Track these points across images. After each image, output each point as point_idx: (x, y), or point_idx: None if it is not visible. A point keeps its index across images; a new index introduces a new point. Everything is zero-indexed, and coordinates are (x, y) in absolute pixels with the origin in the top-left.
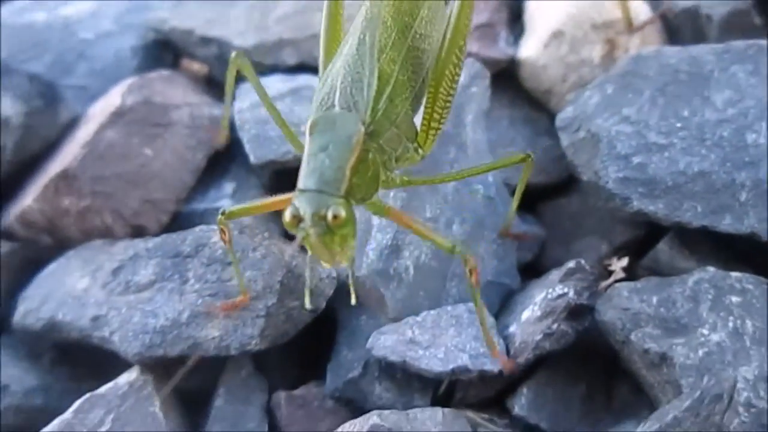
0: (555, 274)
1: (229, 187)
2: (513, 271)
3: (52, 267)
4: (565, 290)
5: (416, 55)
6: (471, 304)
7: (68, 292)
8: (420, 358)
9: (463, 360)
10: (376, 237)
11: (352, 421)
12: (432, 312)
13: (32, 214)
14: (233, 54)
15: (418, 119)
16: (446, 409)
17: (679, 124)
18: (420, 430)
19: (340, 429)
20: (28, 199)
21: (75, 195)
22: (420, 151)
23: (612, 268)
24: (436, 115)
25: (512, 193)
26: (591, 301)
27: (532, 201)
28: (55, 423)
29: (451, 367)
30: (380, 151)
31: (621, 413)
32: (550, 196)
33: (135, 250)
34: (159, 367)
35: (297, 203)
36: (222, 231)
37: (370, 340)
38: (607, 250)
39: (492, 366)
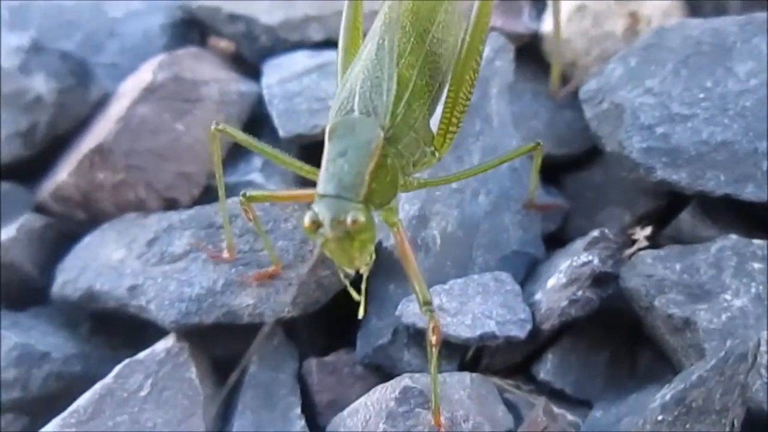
0: (579, 243)
1: (257, 161)
2: (538, 241)
3: (87, 239)
4: (590, 258)
5: (434, 60)
6: (497, 273)
7: (105, 263)
8: (448, 325)
9: (490, 326)
10: (404, 208)
11: (383, 385)
12: (459, 280)
13: (67, 188)
14: (212, 127)
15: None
16: (474, 374)
17: (701, 95)
18: (449, 393)
19: (372, 391)
20: (63, 174)
21: (110, 169)
22: (436, 154)
23: (635, 237)
24: (454, 119)
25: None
26: (615, 269)
27: (556, 173)
28: (97, 388)
29: (478, 333)
30: (399, 156)
31: (644, 379)
32: (573, 168)
33: (169, 221)
34: (194, 335)
35: (316, 209)
36: (245, 211)
37: (399, 307)
38: (630, 220)
39: (518, 332)
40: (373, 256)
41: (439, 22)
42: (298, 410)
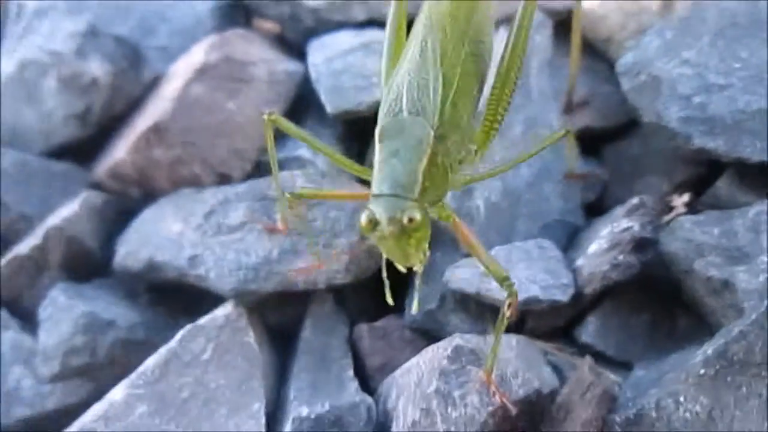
0: (619, 211)
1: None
2: (578, 211)
3: (146, 214)
4: (630, 224)
5: (473, 60)
6: (540, 240)
7: (164, 235)
8: (493, 290)
9: (534, 291)
10: None
11: (436, 344)
12: (503, 247)
13: (124, 166)
14: (264, 117)
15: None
16: (519, 336)
17: (737, 65)
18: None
19: (424, 351)
20: (120, 152)
21: (165, 146)
22: (479, 153)
23: (673, 204)
24: (499, 116)
25: (577, 136)
26: (654, 235)
27: (595, 145)
28: (162, 351)
29: (523, 297)
30: (447, 154)
31: (684, 341)
32: (612, 140)
33: (224, 195)
34: (250, 302)
35: (373, 207)
36: (291, 207)
37: (446, 273)
38: (668, 189)
39: (561, 296)
40: (428, 253)
41: (476, 22)
42: (351, 372)
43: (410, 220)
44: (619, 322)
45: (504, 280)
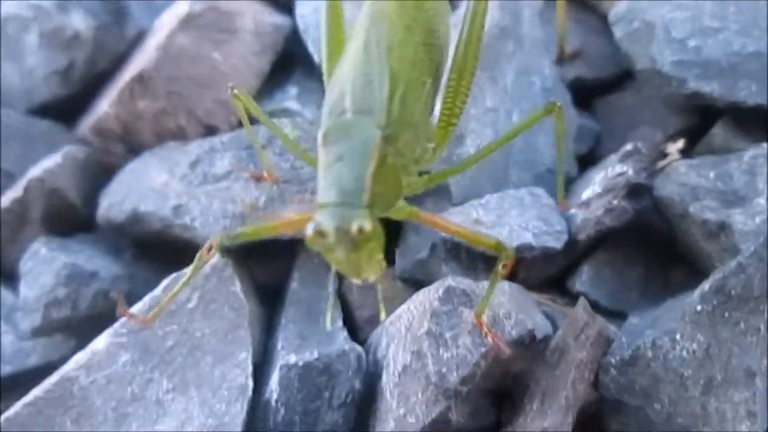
0: (613, 157)
1: (293, 90)
2: (571, 160)
3: (130, 166)
4: (624, 169)
5: (425, 50)
6: (532, 188)
7: (148, 186)
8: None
9: (527, 238)
10: None
11: (427, 288)
12: (495, 195)
13: (107, 120)
14: (230, 90)
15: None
16: (512, 283)
17: (733, 8)
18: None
19: (415, 295)
20: (104, 105)
21: (150, 97)
22: (437, 151)
23: (668, 151)
24: (456, 110)
25: (568, 86)
26: (648, 181)
27: (587, 97)
28: (146, 299)
29: (515, 244)
30: (399, 155)
31: (678, 292)
32: (604, 92)
33: (210, 144)
34: (237, 253)
35: (319, 218)
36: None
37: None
38: (661, 139)
39: (554, 243)
40: (384, 265)
41: (427, 11)
42: (340, 323)
43: (359, 230)
44: (613, 272)
45: (496, 247)
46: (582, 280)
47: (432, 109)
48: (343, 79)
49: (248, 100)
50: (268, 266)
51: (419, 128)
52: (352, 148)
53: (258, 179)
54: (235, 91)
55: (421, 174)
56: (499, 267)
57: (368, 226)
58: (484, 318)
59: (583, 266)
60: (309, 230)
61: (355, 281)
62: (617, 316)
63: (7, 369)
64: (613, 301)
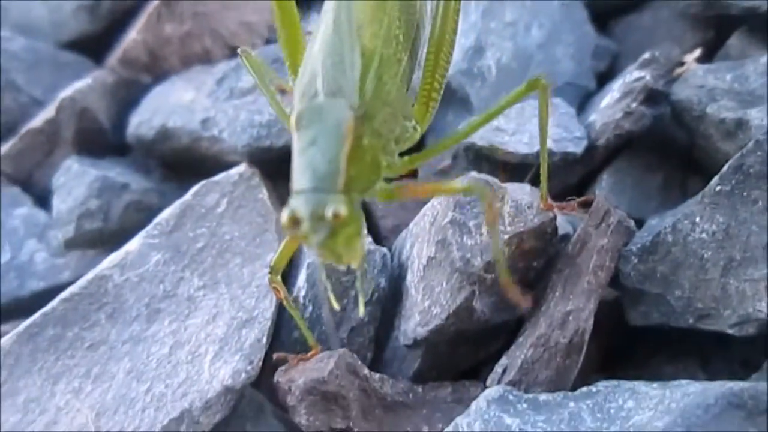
0: (631, 67)
1: (315, 16)
2: (589, 74)
3: (157, 89)
4: (643, 74)
5: (400, 26)
6: (552, 99)
7: (176, 103)
8: (507, 143)
9: (548, 144)
10: (459, 40)
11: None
12: (515, 106)
13: (135, 48)
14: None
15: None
16: (533, 186)
17: None
18: (513, 194)
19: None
20: (131, 33)
21: (177, 20)
22: (418, 128)
23: (684, 60)
24: (436, 84)
25: (586, 5)
26: (666, 88)
27: (604, 19)
28: (177, 204)
29: (536, 149)
30: (376, 136)
31: None
32: (621, 13)
33: (236, 61)
34: (263, 162)
35: (293, 204)
36: (275, 290)
37: (459, 129)
38: (679, 54)
39: (575, 148)
40: (364, 250)
41: None
42: (365, 231)
43: (335, 215)
44: (632, 181)
45: (475, 190)
46: (602, 187)
47: (409, 86)
48: (313, 61)
49: (253, 59)
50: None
51: (396, 106)
52: (324, 132)
53: (282, 91)
54: (244, 53)
55: (403, 155)
56: (486, 211)
57: (344, 211)
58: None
59: (602, 174)
60: (283, 216)
61: (339, 266)
62: (637, 223)
63: (40, 285)
64: (632, 208)
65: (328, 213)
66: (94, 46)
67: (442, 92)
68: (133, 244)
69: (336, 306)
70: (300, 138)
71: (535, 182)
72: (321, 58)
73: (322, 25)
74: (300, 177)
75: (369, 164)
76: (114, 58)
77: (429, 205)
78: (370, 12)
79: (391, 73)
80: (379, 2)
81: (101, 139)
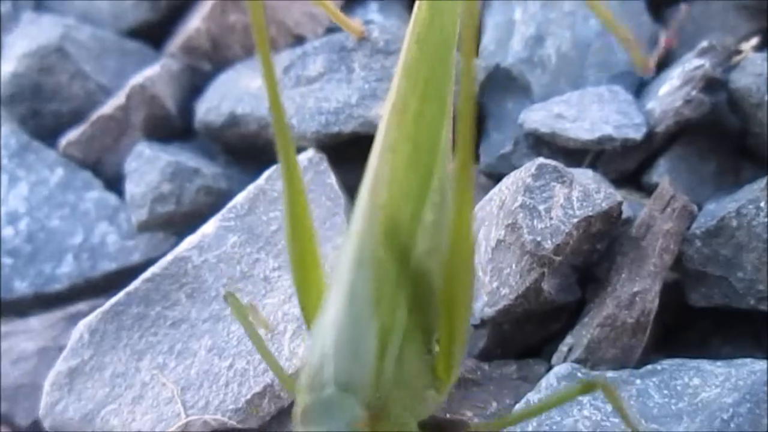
0: (689, 55)
1: (374, 5)
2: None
3: (222, 77)
4: (702, 62)
5: (423, 281)
6: (610, 86)
7: (244, 91)
8: (568, 129)
9: (608, 130)
10: (520, 29)
11: (518, 169)
12: (576, 92)
13: (198, 37)
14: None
15: None
16: (593, 171)
17: None
18: (578, 177)
19: (506, 177)
20: (194, 22)
21: (242, 11)
22: (441, 388)
23: (741, 48)
24: (459, 334)
25: None
26: (724, 76)
27: (658, 7)
28: (250, 188)
29: (597, 135)
30: (392, 423)
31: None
32: (674, 2)
33: (302, 50)
34: (330, 148)
35: None
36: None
37: (521, 116)
38: (733, 42)
39: (635, 134)
40: None
41: (422, 230)
42: None
43: None
44: (688, 167)
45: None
46: (659, 172)
47: (432, 347)
48: (324, 336)
49: (240, 305)
50: (354, 170)
51: (418, 383)
52: None
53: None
54: (230, 298)
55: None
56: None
57: None
58: (574, 192)
59: (659, 160)
60: None
61: None
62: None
63: (112, 266)
64: (688, 192)
65: None
66: (153, 34)
67: (467, 335)
68: (210, 227)
69: None
70: None
71: (594, 166)
72: (333, 336)
73: (333, 295)
74: None
75: None
76: (174, 45)
77: (495, 189)
78: (392, 275)
79: (414, 347)
80: (399, 260)
81: (168, 125)
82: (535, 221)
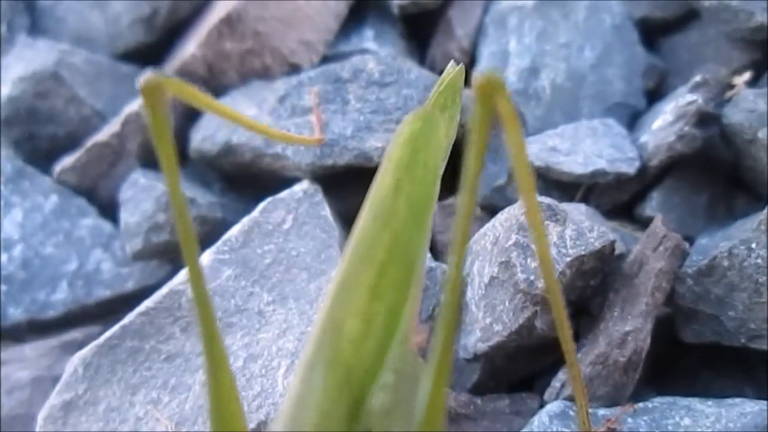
0: (682, 89)
1: (369, 33)
2: (639, 94)
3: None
4: (695, 98)
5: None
6: (604, 119)
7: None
8: (562, 163)
9: (601, 164)
10: (514, 62)
11: (512, 206)
12: (569, 125)
13: (193, 62)
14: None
15: None
16: (585, 206)
17: None
18: (570, 214)
19: (500, 213)
20: (190, 48)
21: (238, 38)
22: None
23: (734, 83)
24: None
25: (635, 25)
26: (717, 110)
27: (652, 36)
28: (245, 221)
29: (590, 169)
30: None
31: (741, 218)
32: (669, 32)
33: (298, 79)
34: (325, 179)
35: None
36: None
37: None
38: (726, 74)
39: (628, 169)
40: None
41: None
42: None
43: None
44: (680, 199)
45: None
46: (652, 205)
47: None
48: None
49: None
50: (347, 200)
51: None
52: None
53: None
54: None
55: None
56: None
57: None
58: (569, 232)
59: (652, 193)
60: None
61: None
62: (685, 240)
63: (106, 293)
64: (681, 226)
65: None
66: (147, 56)
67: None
68: (204, 260)
69: None
70: None
71: (587, 198)
72: None
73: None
74: None
75: None
76: (170, 69)
77: (489, 225)
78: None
79: None
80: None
81: None
82: (529, 260)
